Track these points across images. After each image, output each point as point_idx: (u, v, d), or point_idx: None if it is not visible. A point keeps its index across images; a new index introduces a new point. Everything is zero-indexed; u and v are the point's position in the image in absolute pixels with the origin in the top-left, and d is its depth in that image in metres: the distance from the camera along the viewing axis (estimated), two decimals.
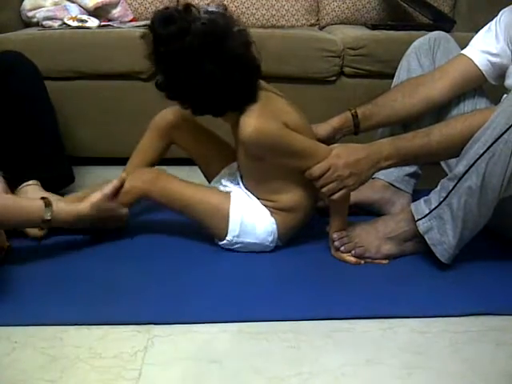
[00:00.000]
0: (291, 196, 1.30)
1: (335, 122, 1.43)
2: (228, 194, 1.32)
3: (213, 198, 1.31)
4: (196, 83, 1.15)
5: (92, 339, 1.03)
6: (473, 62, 1.40)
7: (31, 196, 1.41)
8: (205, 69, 1.14)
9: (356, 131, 1.44)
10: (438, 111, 1.46)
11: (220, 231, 1.30)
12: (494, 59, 1.38)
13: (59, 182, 1.58)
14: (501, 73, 1.40)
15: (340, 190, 1.24)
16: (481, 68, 1.40)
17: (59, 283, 1.20)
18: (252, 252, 1.33)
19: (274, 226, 1.31)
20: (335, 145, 1.28)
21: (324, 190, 1.25)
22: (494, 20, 1.40)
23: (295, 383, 0.93)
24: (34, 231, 1.33)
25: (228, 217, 1.28)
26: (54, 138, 1.58)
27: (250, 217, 1.29)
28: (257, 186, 1.31)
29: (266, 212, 1.31)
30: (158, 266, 1.28)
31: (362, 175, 1.25)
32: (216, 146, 1.43)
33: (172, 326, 1.07)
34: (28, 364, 0.96)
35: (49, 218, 1.21)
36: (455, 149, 1.22)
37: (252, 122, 1.18)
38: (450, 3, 2.32)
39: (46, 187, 1.48)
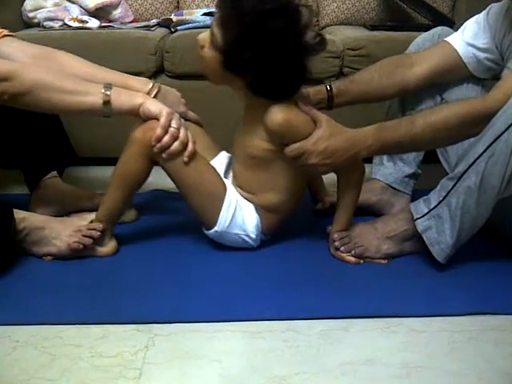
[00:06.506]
0: (276, 197, 1.30)
1: (310, 90, 1.40)
2: (224, 183, 1.30)
3: (211, 183, 1.28)
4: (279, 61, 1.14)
5: (93, 338, 1.03)
6: (457, 53, 1.39)
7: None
8: (288, 49, 1.15)
9: (330, 106, 1.42)
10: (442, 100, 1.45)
11: (210, 219, 1.29)
12: (479, 53, 1.37)
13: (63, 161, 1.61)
14: (485, 68, 1.39)
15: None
16: (465, 60, 1.39)
17: (60, 282, 1.21)
18: (251, 252, 1.33)
19: (259, 223, 1.31)
20: (323, 116, 1.23)
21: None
22: (483, 13, 1.38)
23: (295, 382, 0.93)
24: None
25: (221, 208, 1.27)
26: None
27: (240, 210, 1.30)
28: (250, 178, 1.31)
29: (252, 207, 1.31)
30: (158, 265, 1.28)
31: (337, 164, 1.23)
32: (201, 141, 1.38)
33: (172, 325, 1.07)
34: (29, 363, 0.96)
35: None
36: (440, 137, 1.22)
37: (281, 111, 1.19)
38: (449, 4, 2.32)
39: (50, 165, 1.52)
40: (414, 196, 1.48)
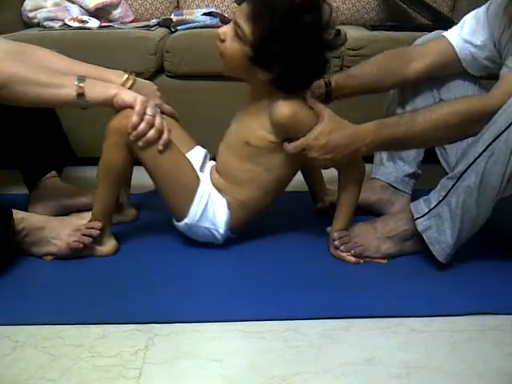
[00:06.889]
0: (255, 193, 1.31)
1: None
2: (198, 175, 1.31)
3: (184, 175, 1.29)
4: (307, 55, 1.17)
5: (93, 338, 1.03)
6: (454, 49, 1.40)
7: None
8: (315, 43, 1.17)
9: (327, 100, 1.43)
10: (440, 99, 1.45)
11: (181, 211, 1.29)
12: (475, 51, 1.38)
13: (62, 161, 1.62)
14: (480, 67, 1.39)
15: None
16: (460, 57, 1.40)
17: (60, 282, 1.21)
18: (252, 252, 1.34)
19: (229, 219, 1.31)
20: (326, 111, 1.24)
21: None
22: (482, 8, 1.38)
23: (295, 382, 0.93)
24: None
25: (192, 200, 1.28)
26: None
27: (212, 204, 1.30)
28: (237, 168, 1.30)
29: (224, 203, 1.31)
30: (158, 265, 1.28)
31: (337, 159, 1.23)
32: (176, 134, 1.37)
33: (172, 324, 1.07)
34: (29, 363, 0.96)
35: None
36: (440, 135, 1.22)
37: (289, 104, 1.20)
38: (450, 4, 2.32)
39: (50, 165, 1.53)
40: (414, 196, 1.48)
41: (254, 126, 1.27)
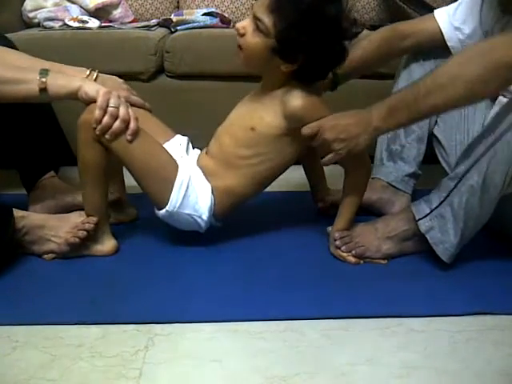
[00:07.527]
0: (246, 182, 1.31)
1: None
2: (175, 162, 1.29)
3: (159, 163, 1.28)
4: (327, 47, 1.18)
5: (93, 338, 1.03)
6: (443, 36, 1.42)
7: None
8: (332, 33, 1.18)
9: (333, 87, 1.45)
10: None
11: (161, 199, 1.28)
12: (464, 39, 1.39)
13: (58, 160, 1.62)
14: None
15: (329, 154, 1.23)
16: (449, 44, 1.42)
17: (60, 282, 1.21)
18: (251, 252, 1.33)
19: (213, 205, 1.30)
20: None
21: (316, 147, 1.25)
22: None
23: (295, 382, 0.93)
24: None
25: (172, 188, 1.26)
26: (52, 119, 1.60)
27: (193, 190, 1.28)
28: (234, 154, 1.29)
29: (209, 188, 1.30)
30: (158, 265, 1.28)
31: (352, 142, 1.20)
32: (152, 125, 1.36)
33: (172, 324, 1.07)
34: (29, 363, 0.96)
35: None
36: (447, 99, 1.14)
37: (305, 96, 1.21)
38: (449, 4, 2.32)
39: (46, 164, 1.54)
40: (415, 196, 1.49)
41: (263, 114, 1.27)
